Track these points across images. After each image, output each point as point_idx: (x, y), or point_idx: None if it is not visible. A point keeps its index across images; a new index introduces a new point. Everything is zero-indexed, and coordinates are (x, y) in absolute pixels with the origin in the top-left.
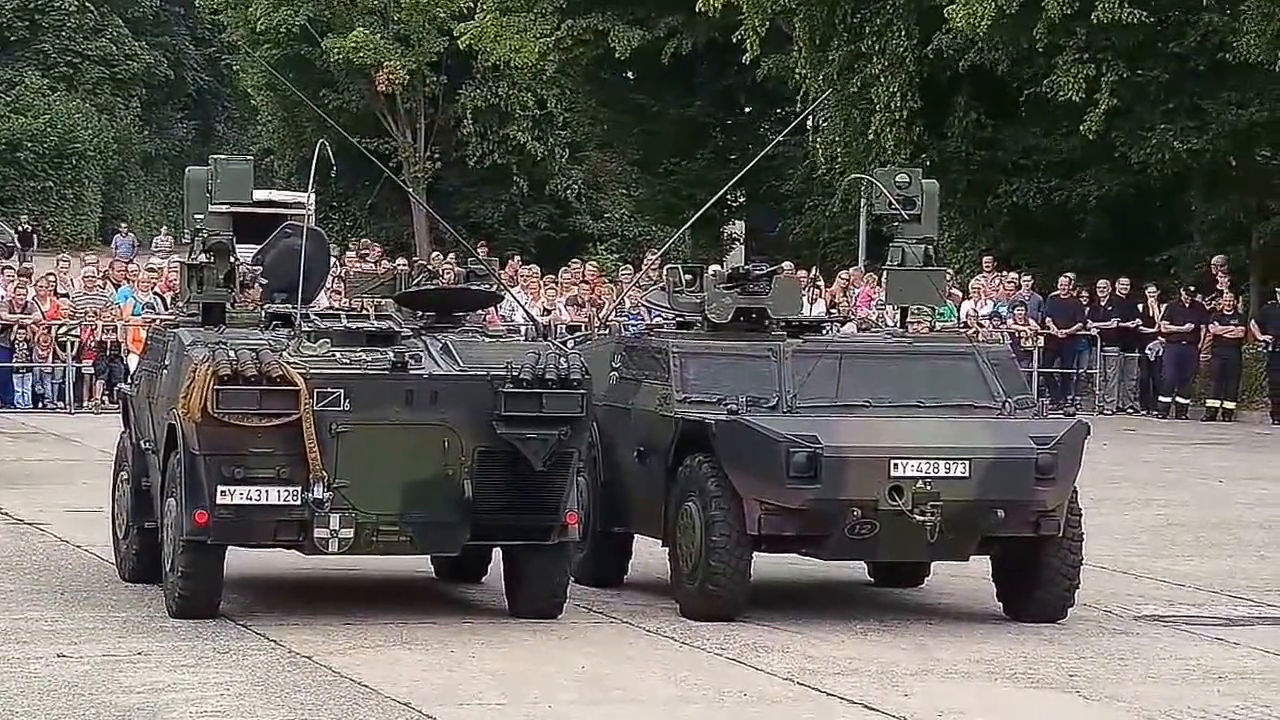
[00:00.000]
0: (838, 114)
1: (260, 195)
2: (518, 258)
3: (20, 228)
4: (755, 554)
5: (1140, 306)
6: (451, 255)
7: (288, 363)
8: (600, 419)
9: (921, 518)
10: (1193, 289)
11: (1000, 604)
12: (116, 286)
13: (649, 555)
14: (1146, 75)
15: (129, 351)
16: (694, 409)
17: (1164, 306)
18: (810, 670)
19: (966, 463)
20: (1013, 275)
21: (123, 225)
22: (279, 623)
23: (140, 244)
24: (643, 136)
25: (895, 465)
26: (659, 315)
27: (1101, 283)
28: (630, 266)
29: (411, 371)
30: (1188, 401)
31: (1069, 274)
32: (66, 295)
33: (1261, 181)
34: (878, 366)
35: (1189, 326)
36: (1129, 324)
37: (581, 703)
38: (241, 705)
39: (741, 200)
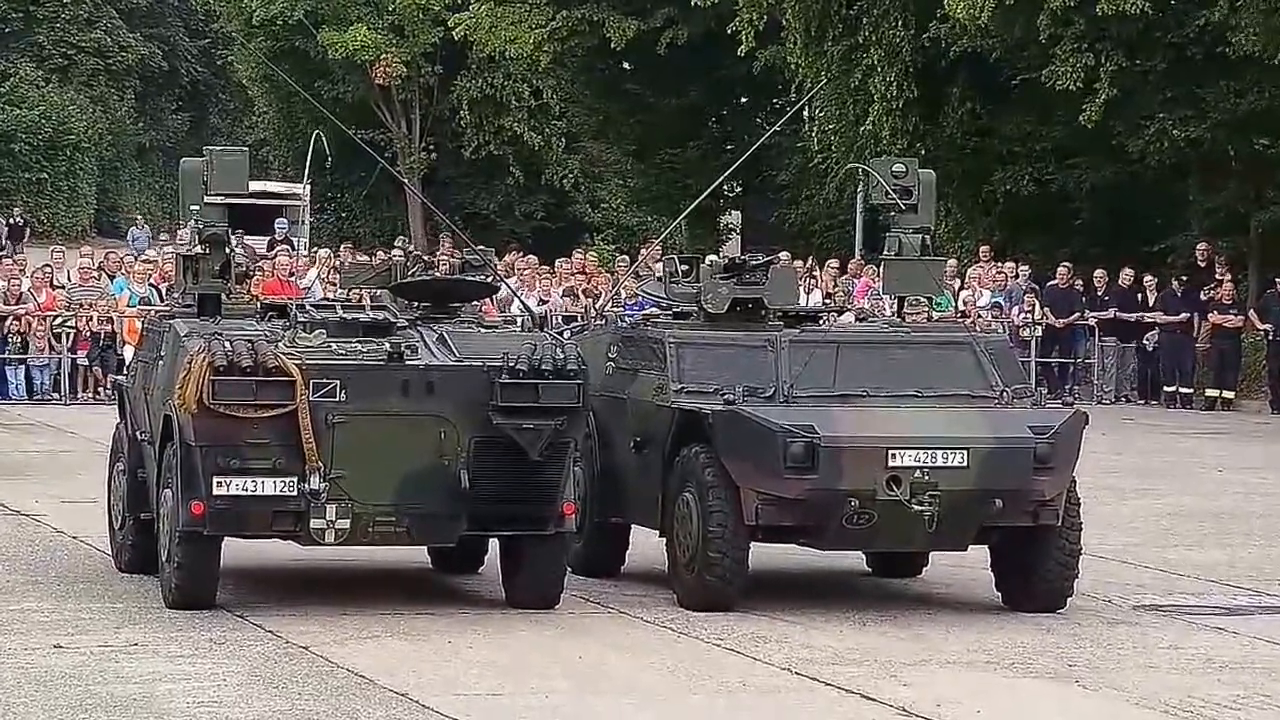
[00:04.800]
0: (833, 104)
1: (256, 186)
2: (519, 250)
3: (14, 220)
4: (753, 544)
5: (1139, 296)
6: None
7: (283, 353)
8: (597, 409)
9: (919, 507)
10: (1185, 277)
11: (999, 594)
12: (112, 278)
13: (646, 545)
14: (1145, 65)
15: (124, 343)
16: (690, 399)
17: (1159, 295)
18: (808, 660)
19: (964, 452)
20: (1010, 265)
21: (138, 218)
22: (276, 613)
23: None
24: (639, 127)
25: (893, 455)
26: (654, 305)
27: (1098, 272)
28: (627, 257)
29: (408, 362)
30: (1188, 391)
31: (1066, 264)
32: (62, 287)
33: (1260, 170)
34: (875, 356)
35: (1184, 316)
36: (1129, 315)
37: (578, 693)
38: (238, 695)
39: (738, 190)
